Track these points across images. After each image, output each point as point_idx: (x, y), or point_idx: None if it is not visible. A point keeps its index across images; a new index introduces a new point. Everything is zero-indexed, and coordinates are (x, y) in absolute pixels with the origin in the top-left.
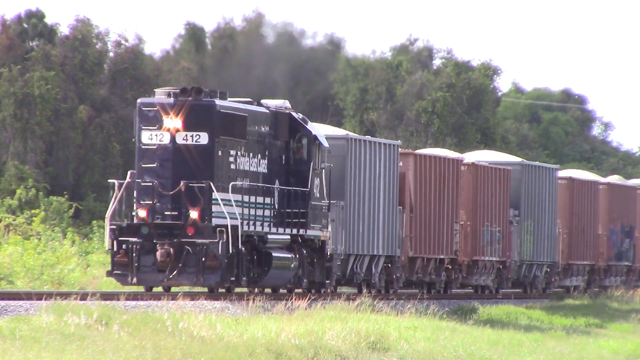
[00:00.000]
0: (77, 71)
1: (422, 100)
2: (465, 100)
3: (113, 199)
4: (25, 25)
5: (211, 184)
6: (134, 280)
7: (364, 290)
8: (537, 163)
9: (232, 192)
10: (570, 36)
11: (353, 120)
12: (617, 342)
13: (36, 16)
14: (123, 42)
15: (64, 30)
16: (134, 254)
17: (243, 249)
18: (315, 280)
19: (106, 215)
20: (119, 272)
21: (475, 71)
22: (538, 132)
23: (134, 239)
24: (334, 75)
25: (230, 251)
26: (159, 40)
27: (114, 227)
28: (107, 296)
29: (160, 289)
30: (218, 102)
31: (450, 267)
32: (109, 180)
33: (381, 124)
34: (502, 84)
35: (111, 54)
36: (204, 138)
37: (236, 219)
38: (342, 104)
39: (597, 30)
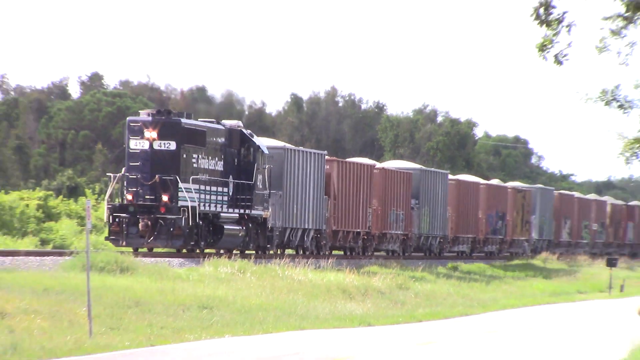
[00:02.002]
0: None
1: (430, 142)
2: (456, 142)
3: (110, 187)
4: None
5: (177, 177)
6: (124, 243)
7: (300, 252)
8: (432, 169)
9: (192, 183)
10: (522, 99)
11: (389, 154)
12: (543, 284)
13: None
14: (253, 105)
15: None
16: (123, 225)
17: (201, 222)
18: (260, 244)
19: (105, 198)
20: (113, 237)
21: (463, 124)
22: (499, 161)
23: (124, 215)
24: (378, 126)
25: (190, 224)
26: (274, 103)
27: (110, 206)
28: (243, 256)
29: (145, 249)
30: (183, 120)
31: (366, 237)
32: (107, 174)
33: (406, 156)
34: (479, 132)
35: (246, 113)
36: (172, 145)
37: (195, 202)
38: (383, 144)
39: (542, 94)
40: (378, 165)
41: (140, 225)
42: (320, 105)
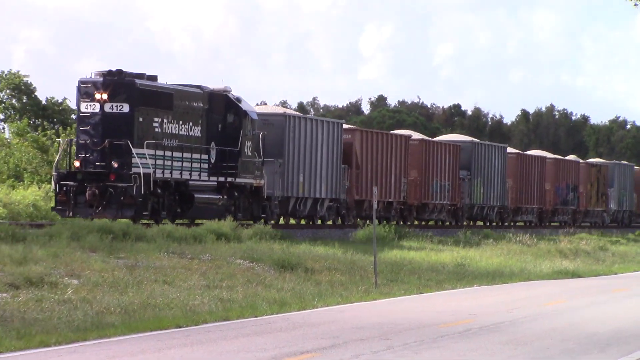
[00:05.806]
0: None
1: (622, 143)
2: None
3: (58, 154)
4: None
5: (129, 142)
6: (70, 214)
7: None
8: (486, 142)
9: (147, 148)
10: None
11: (592, 152)
12: None
13: None
14: (494, 117)
15: None
16: (71, 194)
17: (159, 190)
18: (254, 214)
19: (53, 166)
20: (60, 207)
21: None
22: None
23: (71, 183)
24: (584, 132)
25: (142, 192)
26: (509, 116)
27: (57, 174)
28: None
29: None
30: (138, 80)
31: (402, 207)
32: (57, 139)
33: (604, 154)
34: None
35: (489, 123)
36: (125, 107)
37: (149, 168)
38: (587, 145)
39: None
40: (415, 136)
41: (87, 194)
42: (542, 117)
